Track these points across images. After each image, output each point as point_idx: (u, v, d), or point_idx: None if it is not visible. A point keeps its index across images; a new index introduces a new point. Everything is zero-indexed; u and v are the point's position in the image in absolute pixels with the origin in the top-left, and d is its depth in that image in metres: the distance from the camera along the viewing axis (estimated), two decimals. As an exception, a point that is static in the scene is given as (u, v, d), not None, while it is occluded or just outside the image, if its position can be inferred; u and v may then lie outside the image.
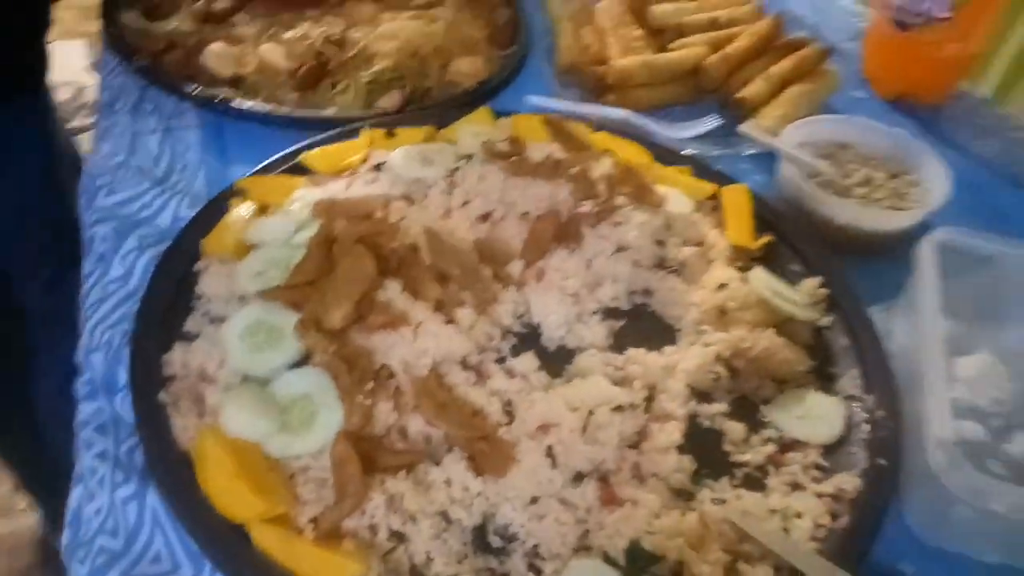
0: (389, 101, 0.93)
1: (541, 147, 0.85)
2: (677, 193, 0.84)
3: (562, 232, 0.78)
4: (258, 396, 0.60)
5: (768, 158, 0.99)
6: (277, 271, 0.68)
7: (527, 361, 0.68)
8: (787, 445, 0.64)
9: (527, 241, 0.77)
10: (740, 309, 0.72)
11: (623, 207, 0.79)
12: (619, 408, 0.61)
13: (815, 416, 0.66)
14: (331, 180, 0.80)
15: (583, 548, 0.55)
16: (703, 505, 0.58)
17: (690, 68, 1.05)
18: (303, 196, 0.77)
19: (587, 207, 0.79)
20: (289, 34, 0.96)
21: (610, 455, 0.58)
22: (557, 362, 0.69)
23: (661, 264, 0.78)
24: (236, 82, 0.93)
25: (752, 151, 0.99)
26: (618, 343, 0.71)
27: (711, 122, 1.02)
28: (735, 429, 0.65)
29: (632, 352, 0.69)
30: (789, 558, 0.53)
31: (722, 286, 0.75)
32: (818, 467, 0.63)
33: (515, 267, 0.75)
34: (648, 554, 0.54)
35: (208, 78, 0.93)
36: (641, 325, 0.74)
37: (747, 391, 0.68)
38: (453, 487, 0.57)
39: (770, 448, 0.64)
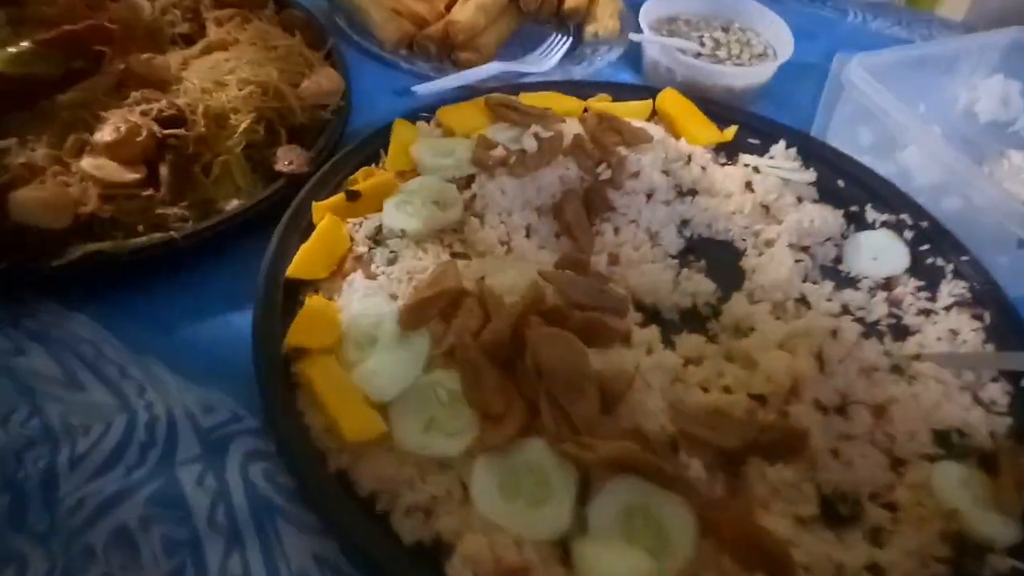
0: (291, 159, 0.74)
1: (505, 132, 0.77)
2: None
3: (592, 207, 0.75)
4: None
5: (627, 58, 1.03)
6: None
7: (690, 341, 0.66)
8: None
9: (573, 232, 0.72)
10: (778, 198, 0.78)
11: (627, 156, 0.77)
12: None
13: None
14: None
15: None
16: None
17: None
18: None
19: (602, 172, 0.75)
20: (102, 134, 0.68)
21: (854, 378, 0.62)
22: (696, 327, 0.69)
23: (680, 192, 0.79)
24: (81, 230, 0.65)
25: (609, 57, 1.01)
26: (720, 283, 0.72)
27: (561, 43, 1.01)
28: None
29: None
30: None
31: (747, 185, 0.79)
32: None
33: (600, 262, 0.70)
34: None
35: (35, 245, 0.63)
36: (708, 254, 0.76)
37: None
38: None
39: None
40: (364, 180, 0.73)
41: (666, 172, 0.79)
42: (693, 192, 0.80)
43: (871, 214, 0.80)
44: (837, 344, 0.62)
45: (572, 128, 0.78)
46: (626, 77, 1.02)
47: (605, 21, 1.01)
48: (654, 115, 0.87)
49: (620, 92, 0.89)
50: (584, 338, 0.57)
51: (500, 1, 0.98)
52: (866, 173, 0.83)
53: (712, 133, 0.85)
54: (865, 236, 0.78)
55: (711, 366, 0.63)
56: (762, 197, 0.79)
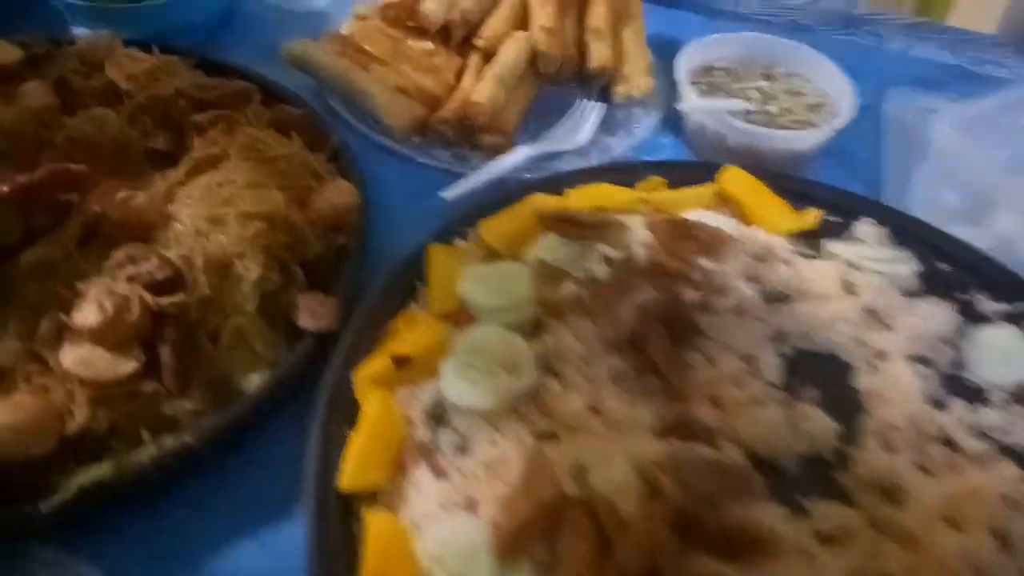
0: (315, 310, 0.61)
1: (562, 250, 0.65)
2: (700, 215, 0.72)
3: (678, 335, 0.63)
4: None
5: (665, 119, 0.91)
6: None
7: (829, 512, 0.55)
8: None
9: (663, 372, 0.60)
10: (883, 298, 0.68)
11: (714, 271, 0.65)
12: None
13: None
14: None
15: None
16: None
17: (527, 59, 0.88)
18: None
19: (688, 294, 0.64)
20: (84, 316, 0.54)
21: None
22: (823, 482, 0.58)
23: (768, 299, 0.68)
24: (71, 447, 0.51)
25: (647, 122, 0.90)
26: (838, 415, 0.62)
27: (591, 111, 0.89)
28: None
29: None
30: None
31: (845, 284, 0.69)
32: None
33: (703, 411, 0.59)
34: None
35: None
36: (814, 376, 0.65)
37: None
38: None
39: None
40: (407, 330, 0.61)
41: (751, 278, 0.68)
42: (783, 297, 0.69)
43: (985, 304, 0.70)
44: (1017, 514, 0.52)
45: (639, 235, 0.66)
46: (666, 143, 0.90)
47: (636, 80, 0.90)
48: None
49: (672, 172, 0.78)
50: (725, 551, 0.46)
51: (518, 68, 0.86)
52: (969, 252, 0.72)
53: (790, 218, 0.74)
54: (987, 335, 0.68)
55: (863, 546, 0.52)
56: (866, 299, 0.68)
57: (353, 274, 0.66)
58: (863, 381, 0.65)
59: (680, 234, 0.66)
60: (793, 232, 0.73)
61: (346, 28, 0.91)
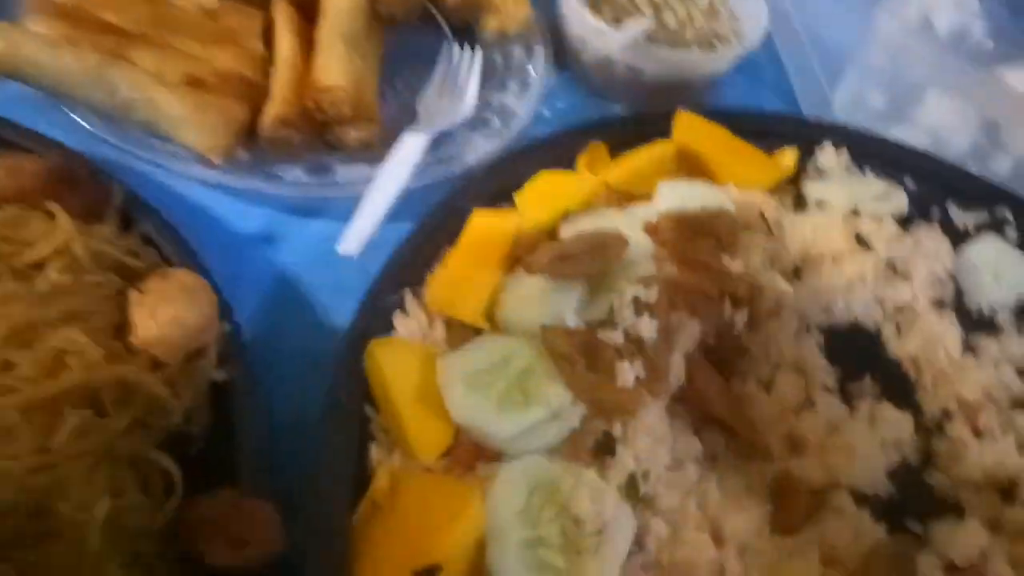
0: (240, 537, 0.35)
1: (557, 296, 0.45)
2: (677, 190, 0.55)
3: (727, 368, 0.48)
4: None
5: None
6: None
7: (956, 535, 0.46)
8: None
9: (729, 425, 0.46)
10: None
11: (742, 271, 0.50)
12: None
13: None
14: None
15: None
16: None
17: (355, 8, 0.60)
18: None
19: (729, 313, 0.48)
20: None
21: None
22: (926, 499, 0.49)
23: (790, 278, 0.55)
24: None
25: (535, 65, 0.68)
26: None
27: (467, 60, 0.65)
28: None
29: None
30: None
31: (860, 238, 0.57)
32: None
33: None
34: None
35: None
36: (849, 357, 0.54)
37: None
38: None
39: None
40: (405, 506, 0.38)
41: (772, 259, 0.54)
42: (797, 271, 0.56)
43: (960, 216, 0.63)
44: None
45: (640, 246, 0.48)
46: (560, 84, 0.70)
47: (508, 8, 0.67)
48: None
49: (611, 133, 0.59)
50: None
51: (360, 19, 0.59)
52: (931, 162, 0.65)
53: (765, 167, 0.60)
54: (973, 253, 0.60)
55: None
56: (882, 252, 0.57)
57: (255, 437, 0.40)
58: (898, 348, 0.55)
59: (690, 233, 0.49)
60: (774, 183, 0.60)
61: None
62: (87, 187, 0.46)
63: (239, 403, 0.41)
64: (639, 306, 0.44)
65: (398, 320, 0.45)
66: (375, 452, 0.41)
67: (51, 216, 0.43)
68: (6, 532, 0.32)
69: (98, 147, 0.51)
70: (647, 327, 0.42)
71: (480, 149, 0.59)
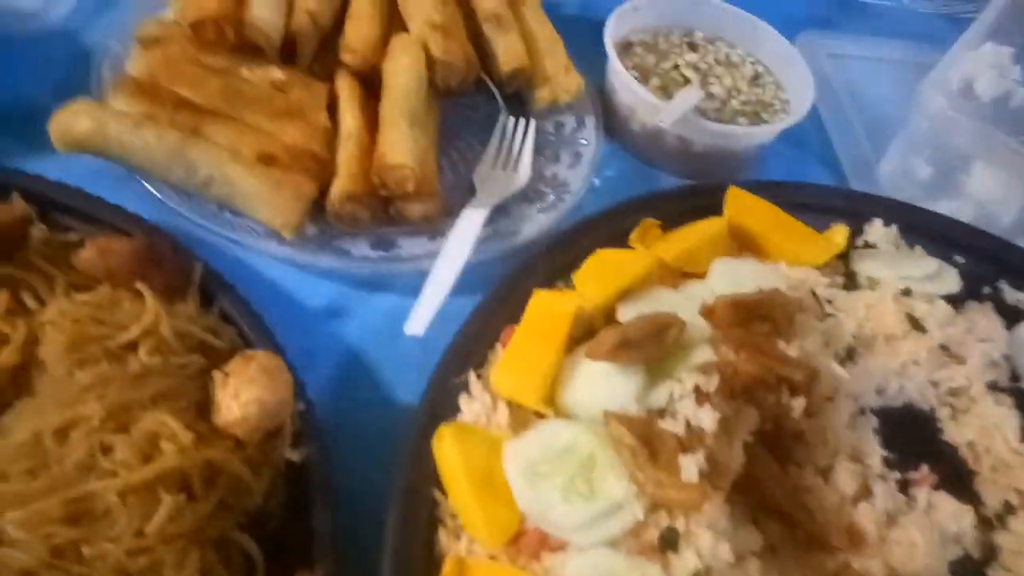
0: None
1: (617, 386, 0.46)
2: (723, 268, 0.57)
3: (782, 455, 0.49)
4: None
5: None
6: None
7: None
8: None
9: (788, 514, 0.47)
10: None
11: (798, 358, 0.51)
12: None
13: None
14: None
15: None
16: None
17: (416, 86, 0.63)
18: None
19: (787, 400, 0.49)
20: None
21: None
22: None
23: (845, 361, 0.56)
24: None
25: (586, 134, 0.70)
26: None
27: (520, 130, 0.67)
28: None
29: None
30: None
31: (914, 320, 0.58)
32: None
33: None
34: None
35: None
36: (905, 443, 0.54)
37: None
38: None
39: None
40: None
41: (827, 343, 0.55)
42: (853, 353, 0.57)
43: (1010, 294, 0.63)
44: None
45: (697, 327, 0.50)
46: (606, 153, 0.72)
47: (560, 79, 0.69)
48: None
49: (662, 207, 0.61)
50: None
51: (421, 95, 0.61)
52: (984, 238, 0.65)
53: (817, 244, 0.61)
54: None
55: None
56: (935, 334, 0.58)
57: (329, 517, 0.42)
58: (955, 434, 0.56)
59: (746, 317, 0.51)
60: (825, 261, 0.61)
61: (135, 65, 0.59)
62: (171, 264, 0.48)
63: (314, 482, 0.43)
64: (699, 396, 0.45)
65: (463, 402, 0.47)
66: (443, 536, 0.42)
67: (138, 295, 0.45)
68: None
69: (174, 219, 0.54)
70: (708, 418, 0.44)
71: (536, 222, 0.61)
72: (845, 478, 0.50)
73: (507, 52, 0.67)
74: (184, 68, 0.58)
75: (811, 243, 0.61)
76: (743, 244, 0.61)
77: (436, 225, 0.59)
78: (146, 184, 0.54)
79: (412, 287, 0.54)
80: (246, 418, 0.42)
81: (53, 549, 0.35)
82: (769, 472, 0.47)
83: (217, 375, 0.43)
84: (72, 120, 0.52)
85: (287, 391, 0.44)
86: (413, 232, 0.59)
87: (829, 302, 0.59)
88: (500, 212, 0.61)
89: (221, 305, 0.49)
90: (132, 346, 0.43)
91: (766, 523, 0.47)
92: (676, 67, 0.74)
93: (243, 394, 0.42)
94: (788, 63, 0.76)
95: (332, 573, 0.40)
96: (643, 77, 0.72)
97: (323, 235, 0.57)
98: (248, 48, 0.61)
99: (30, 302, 0.44)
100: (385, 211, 0.59)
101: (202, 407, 0.43)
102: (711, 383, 0.45)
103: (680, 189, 0.66)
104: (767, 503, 0.47)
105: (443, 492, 0.44)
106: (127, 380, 0.41)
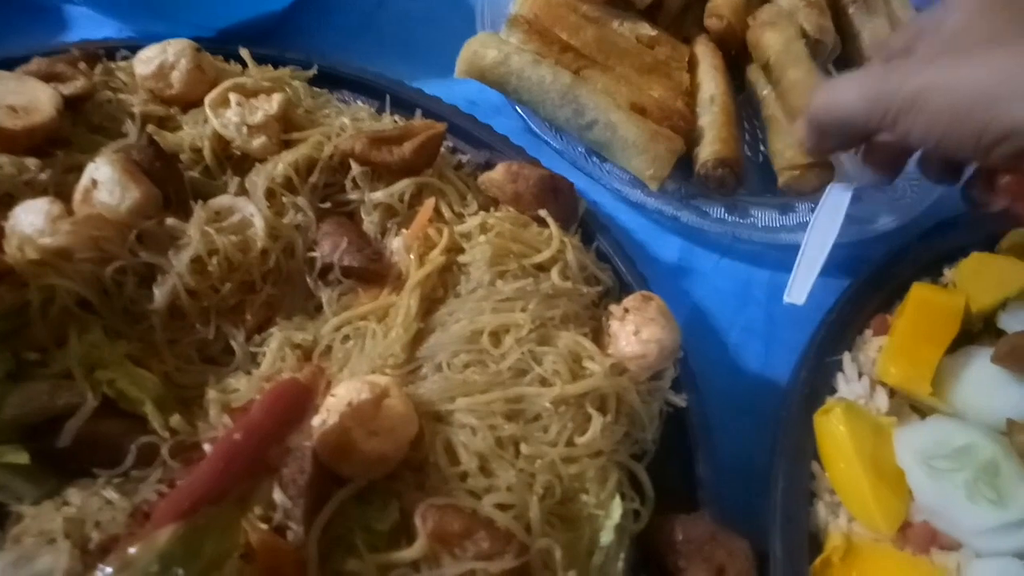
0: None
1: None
2: None
3: None
4: None
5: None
6: None
7: None
8: None
9: None
10: None
11: None
12: None
13: None
14: None
15: None
16: None
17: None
18: None
19: None
20: None
21: None
22: None
23: None
24: None
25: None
26: None
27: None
28: None
29: None
30: None
31: None
32: None
33: None
34: None
35: None
36: None
37: None
38: None
39: None
40: None
41: None
42: None
43: None
44: None
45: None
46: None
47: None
48: None
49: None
50: None
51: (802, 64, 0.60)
52: None
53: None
54: None
55: None
56: None
57: (710, 464, 0.43)
58: None
59: None
60: None
61: (520, 5, 0.62)
62: (565, 198, 0.50)
63: (695, 428, 0.44)
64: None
65: (840, 382, 0.46)
66: (821, 510, 0.42)
67: (541, 222, 0.48)
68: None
69: (539, 157, 0.56)
70: None
71: (892, 211, 0.58)
72: None
73: (873, 37, 0.64)
74: (563, 13, 0.60)
75: None
76: None
77: (785, 200, 0.58)
78: (527, 119, 0.57)
79: (752, 256, 0.54)
80: (645, 355, 0.43)
81: (497, 440, 0.38)
82: None
83: (616, 309, 0.45)
84: (482, 49, 0.55)
85: (678, 336, 0.45)
86: (764, 203, 0.58)
87: None
88: (854, 197, 0.59)
89: (598, 244, 0.51)
90: (538, 267, 0.46)
91: None
92: None
93: (644, 331, 0.43)
94: None
95: (716, 518, 0.40)
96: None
97: (680, 192, 0.57)
98: (618, 1, 0.63)
99: (447, 212, 0.48)
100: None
101: (595, 335, 0.45)
102: None
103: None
104: None
105: (822, 466, 0.43)
106: (542, 298, 0.43)
